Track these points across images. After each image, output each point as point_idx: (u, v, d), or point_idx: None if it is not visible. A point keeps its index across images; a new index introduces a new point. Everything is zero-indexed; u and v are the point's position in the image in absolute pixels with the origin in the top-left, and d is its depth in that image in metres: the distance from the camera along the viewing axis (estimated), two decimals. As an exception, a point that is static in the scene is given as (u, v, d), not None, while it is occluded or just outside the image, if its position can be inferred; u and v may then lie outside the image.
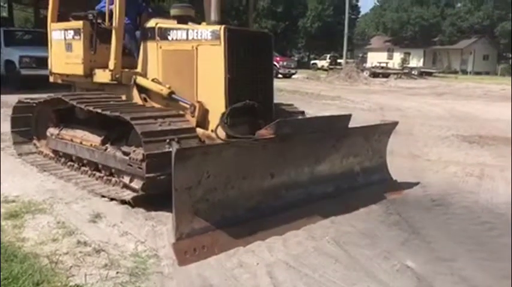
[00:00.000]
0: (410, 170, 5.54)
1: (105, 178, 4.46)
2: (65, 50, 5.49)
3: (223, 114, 3.98)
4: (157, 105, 4.58)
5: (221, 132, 4.04)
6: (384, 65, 43.49)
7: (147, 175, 3.66)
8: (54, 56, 5.82)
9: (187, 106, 4.23)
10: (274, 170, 3.49)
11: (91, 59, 5.18)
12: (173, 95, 4.46)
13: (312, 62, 52.10)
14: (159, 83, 4.64)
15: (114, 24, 4.82)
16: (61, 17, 5.95)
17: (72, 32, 5.36)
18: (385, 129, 4.57)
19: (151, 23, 4.81)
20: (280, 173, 3.56)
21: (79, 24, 5.26)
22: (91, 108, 4.26)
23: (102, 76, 5.06)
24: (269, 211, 3.43)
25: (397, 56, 57.77)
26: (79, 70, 5.22)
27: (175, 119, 3.94)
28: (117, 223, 3.57)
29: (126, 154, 4.10)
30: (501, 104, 15.33)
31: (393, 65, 48.27)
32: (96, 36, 5.14)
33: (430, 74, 41.85)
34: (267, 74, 4.41)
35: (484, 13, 53.71)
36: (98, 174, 4.57)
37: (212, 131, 4.07)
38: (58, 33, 5.65)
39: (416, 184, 4.96)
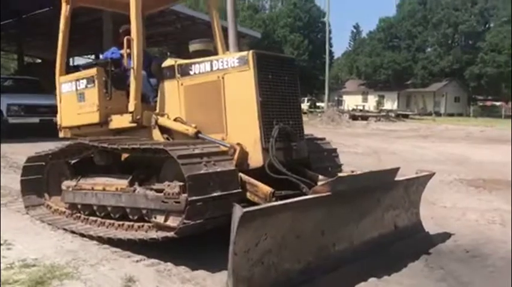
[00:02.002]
0: (432, 218, 5.45)
1: (126, 224, 4.27)
2: (77, 101, 5.34)
3: (271, 147, 3.85)
4: None
5: (257, 159, 3.93)
6: (361, 107, 44.35)
7: (185, 221, 3.47)
8: (64, 110, 5.64)
9: (224, 148, 4.01)
10: (324, 227, 3.34)
11: (107, 105, 5.03)
12: (200, 135, 4.30)
13: (290, 105, 52.57)
14: (183, 122, 4.49)
15: (132, 65, 4.70)
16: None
17: (84, 81, 5.24)
18: (423, 181, 4.51)
19: (169, 62, 4.70)
20: (330, 229, 3.40)
21: (92, 71, 5.15)
22: (126, 146, 4.04)
23: (119, 121, 4.90)
24: (319, 271, 3.24)
25: (372, 99, 59.12)
26: (94, 118, 5.06)
27: (219, 158, 3.73)
28: (154, 288, 3.33)
29: (159, 191, 3.89)
30: (488, 145, 15.66)
31: (369, 108, 49.29)
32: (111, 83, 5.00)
33: (406, 116, 42.72)
34: (295, 97, 4.33)
35: (453, 57, 55.76)
36: (116, 223, 4.35)
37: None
38: (68, 85, 5.51)
39: (444, 234, 4.84)
